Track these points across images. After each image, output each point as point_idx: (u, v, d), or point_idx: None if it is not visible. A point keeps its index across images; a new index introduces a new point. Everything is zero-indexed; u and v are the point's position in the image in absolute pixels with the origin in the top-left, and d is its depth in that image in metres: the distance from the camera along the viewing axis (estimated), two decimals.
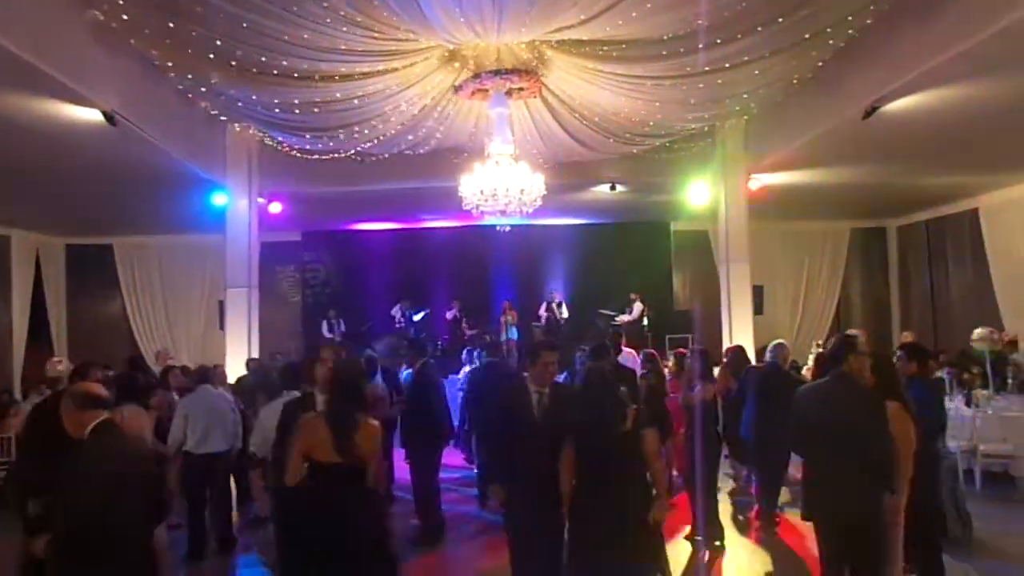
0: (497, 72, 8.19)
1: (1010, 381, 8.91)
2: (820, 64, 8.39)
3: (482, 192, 8.66)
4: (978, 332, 8.56)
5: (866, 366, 3.72)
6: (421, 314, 14.76)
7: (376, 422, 3.85)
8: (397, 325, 14.53)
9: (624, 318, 14.08)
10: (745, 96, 9.21)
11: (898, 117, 8.75)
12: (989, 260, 13.30)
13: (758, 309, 12.46)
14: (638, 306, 14.34)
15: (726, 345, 10.80)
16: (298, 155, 10.61)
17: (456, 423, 8.46)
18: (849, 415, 3.65)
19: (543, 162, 10.93)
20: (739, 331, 11.64)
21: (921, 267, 15.64)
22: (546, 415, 4.21)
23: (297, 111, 8.84)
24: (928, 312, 15.15)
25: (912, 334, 12.65)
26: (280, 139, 10.21)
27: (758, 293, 12.79)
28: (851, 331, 5.16)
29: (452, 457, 7.76)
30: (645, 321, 14.30)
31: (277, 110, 8.85)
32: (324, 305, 15.30)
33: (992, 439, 7.37)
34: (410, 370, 7.50)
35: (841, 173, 11.97)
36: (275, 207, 12.06)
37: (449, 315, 15.01)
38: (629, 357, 8.32)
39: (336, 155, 10.40)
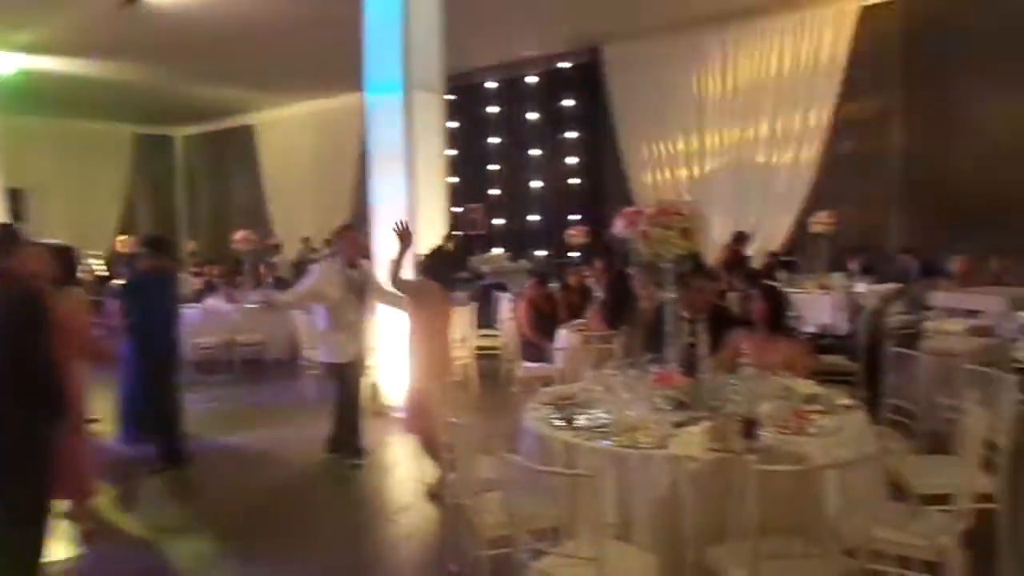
0: None
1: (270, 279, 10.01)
2: None
3: None
4: (238, 235, 9.28)
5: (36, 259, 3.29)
6: None
7: None
8: None
9: None
10: None
11: (163, 13, 8.43)
12: (263, 173, 14.63)
13: (18, 215, 10.71)
14: None
15: None
16: None
17: None
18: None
19: None
20: None
21: (206, 177, 16.19)
22: None
23: None
24: (213, 219, 15.85)
25: (194, 243, 13.03)
26: None
27: (17, 197, 10.98)
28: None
29: None
30: None
31: None
32: None
33: (248, 330, 8.11)
34: None
35: (115, 69, 11.07)
36: None
37: None
38: None
39: None
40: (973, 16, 8.81)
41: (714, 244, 9.77)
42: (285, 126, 14.35)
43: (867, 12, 9.16)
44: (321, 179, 13.59)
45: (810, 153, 9.49)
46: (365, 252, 5.76)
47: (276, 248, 11.98)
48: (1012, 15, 8.60)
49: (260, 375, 8.34)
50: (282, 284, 9.38)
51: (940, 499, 2.83)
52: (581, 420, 3.24)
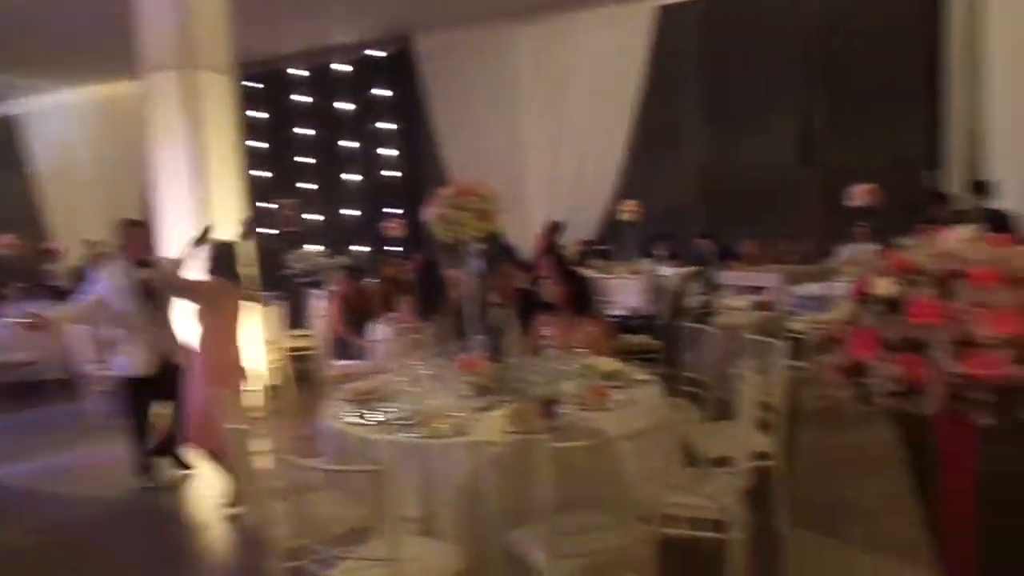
0: None
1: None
2: None
3: None
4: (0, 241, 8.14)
5: None
6: None
7: None
8: None
9: None
10: None
11: None
12: (35, 170, 12.96)
13: None
14: None
15: None
16: None
17: None
18: None
19: None
20: None
21: None
22: None
23: None
24: None
25: None
26: None
27: None
28: None
29: None
30: None
31: None
32: None
33: (15, 349, 7.07)
34: None
35: None
36: None
37: None
38: None
39: None
40: (759, 18, 9.74)
41: (531, 233, 10.01)
42: (61, 116, 12.75)
43: (665, 12, 9.69)
44: (108, 175, 12.23)
45: (618, 145, 9.90)
46: (150, 250, 5.17)
47: (51, 253, 10.58)
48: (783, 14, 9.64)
49: (33, 399, 7.30)
50: (60, 294, 8.29)
51: (728, 461, 2.99)
52: (382, 414, 3.09)
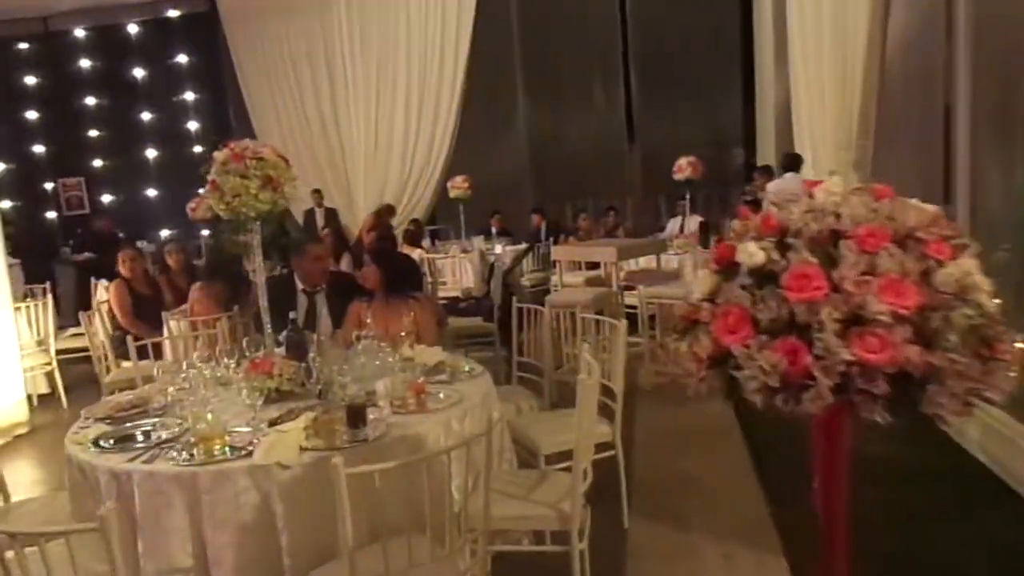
0: None
1: None
2: None
3: None
4: None
5: None
6: None
7: None
8: None
9: None
10: None
11: None
12: None
13: None
14: None
15: None
16: None
17: None
18: None
19: None
20: None
21: None
22: None
23: None
24: None
25: None
26: None
27: None
28: None
29: None
30: None
31: None
32: None
33: None
34: None
35: None
36: None
37: None
38: None
39: None
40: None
41: (357, 213, 9.35)
42: None
43: None
44: None
45: (447, 119, 9.32)
46: None
47: None
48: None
49: None
50: None
51: (568, 457, 2.65)
52: (143, 435, 2.44)
